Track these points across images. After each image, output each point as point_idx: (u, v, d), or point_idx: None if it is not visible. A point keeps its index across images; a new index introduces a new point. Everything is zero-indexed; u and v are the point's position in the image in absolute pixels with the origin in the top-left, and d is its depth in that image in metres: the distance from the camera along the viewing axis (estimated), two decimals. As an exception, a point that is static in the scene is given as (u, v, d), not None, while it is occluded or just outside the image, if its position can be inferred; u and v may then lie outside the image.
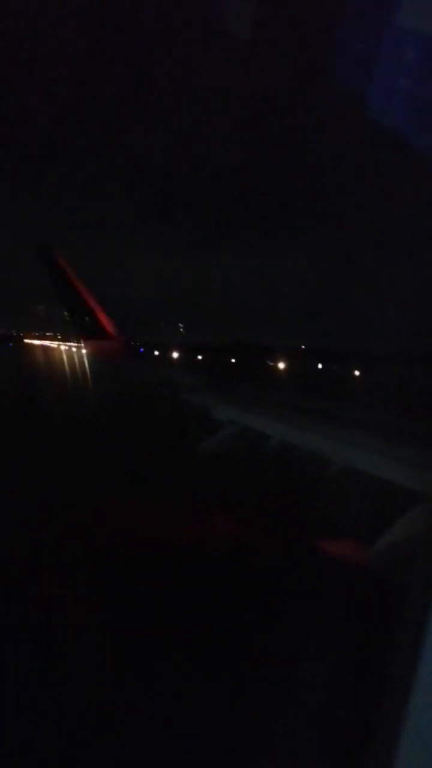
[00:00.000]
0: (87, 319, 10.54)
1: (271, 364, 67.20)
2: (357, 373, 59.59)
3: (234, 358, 77.60)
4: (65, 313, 10.42)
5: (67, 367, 49.24)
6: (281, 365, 65.44)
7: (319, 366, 74.27)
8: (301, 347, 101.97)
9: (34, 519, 10.48)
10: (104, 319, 10.62)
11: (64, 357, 51.97)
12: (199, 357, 75.33)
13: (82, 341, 11.27)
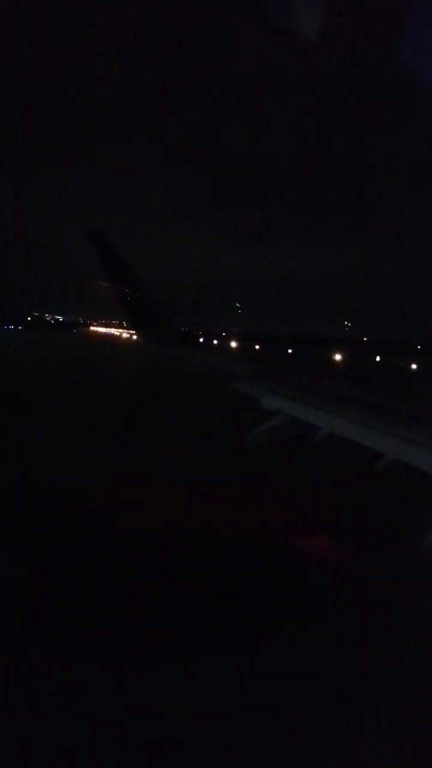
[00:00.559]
0: (137, 306, 10.57)
1: (329, 355, 66.22)
2: (415, 366, 57.98)
3: (292, 348, 76.83)
4: (118, 300, 10.42)
5: (116, 355, 50.02)
6: (338, 356, 64.34)
7: (377, 358, 72.61)
8: (362, 339, 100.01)
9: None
10: (155, 307, 10.61)
11: (117, 345, 52.61)
12: (257, 347, 75.07)
13: (132, 328, 11.31)
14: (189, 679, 6.28)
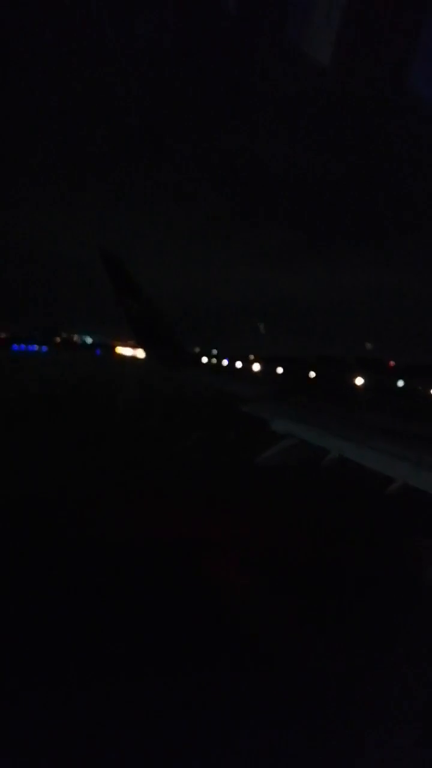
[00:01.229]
0: (145, 327, 10.59)
1: (349, 377, 65.80)
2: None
3: (312, 370, 76.61)
4: (127, 321, 10.48)
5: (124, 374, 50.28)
6: (359, 379, 64.01)
7: (400, 382, 71.97)
8: (389, 361, 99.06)
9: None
10: (164, 328, 10.64)
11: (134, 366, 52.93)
12: (278, 369, 75.08)
13: (141, 348, 11.32)
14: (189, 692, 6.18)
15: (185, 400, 26.65)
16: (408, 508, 7.85)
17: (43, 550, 9.90)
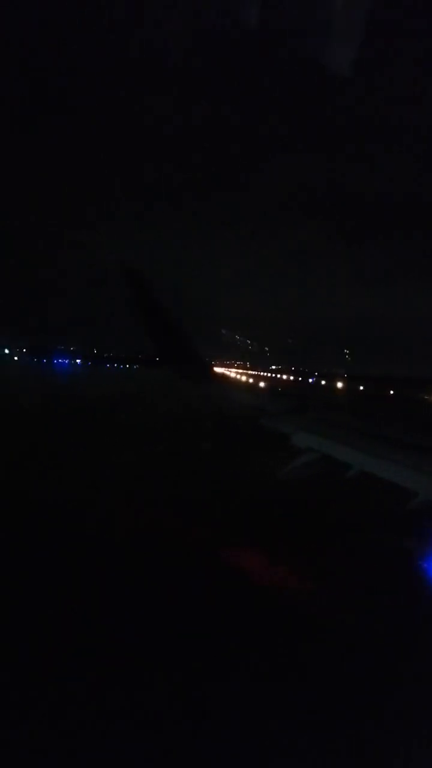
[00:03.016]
0: (168, 344, 10.67)
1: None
2: None
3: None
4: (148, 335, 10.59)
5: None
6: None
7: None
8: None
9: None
10: (187, 345, 10.70)
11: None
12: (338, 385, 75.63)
13: (164, 364, 11.39)
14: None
15: (211, 416, 26.59)
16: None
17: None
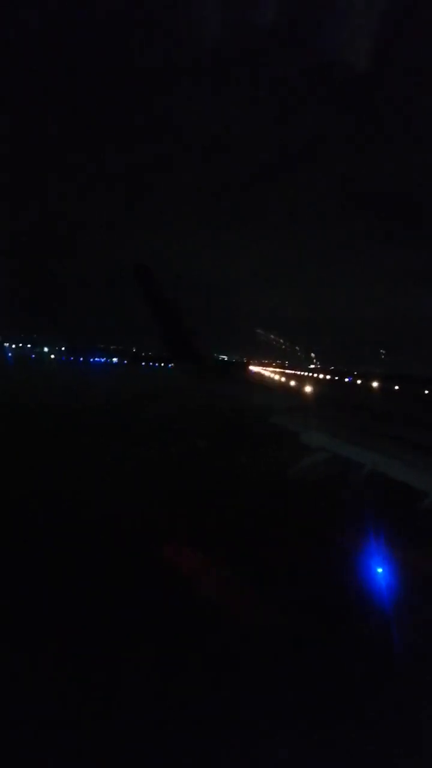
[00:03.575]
0: (178, 341, 10.68)
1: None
2: None
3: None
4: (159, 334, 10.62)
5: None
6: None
7: None
8: None
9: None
10: (196, 342, 10.69)
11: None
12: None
13: (173, 361, 11.37)
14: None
15: (220, 412, 26.25)
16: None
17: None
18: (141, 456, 18.45)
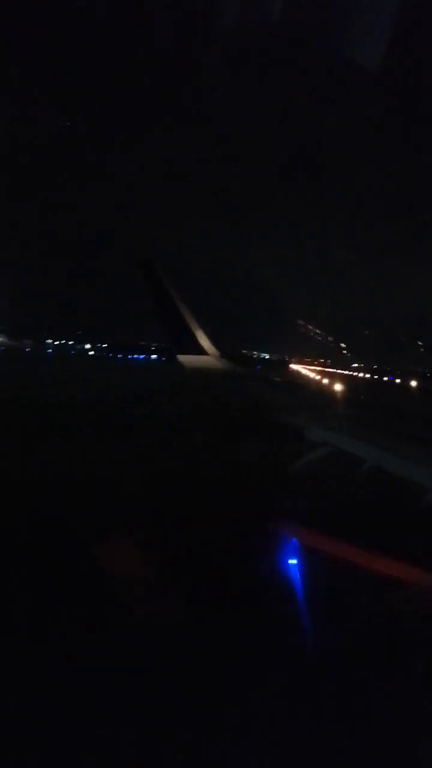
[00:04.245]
0: (183, 335, 10.70)
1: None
2: None
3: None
4: (166, 328, 10.64)
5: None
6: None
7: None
8: None
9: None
10: (201, 337, 10.69)
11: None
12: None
13: (176, 356, 11.35)
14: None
15: (223, 407, 25.89)
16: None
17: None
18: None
